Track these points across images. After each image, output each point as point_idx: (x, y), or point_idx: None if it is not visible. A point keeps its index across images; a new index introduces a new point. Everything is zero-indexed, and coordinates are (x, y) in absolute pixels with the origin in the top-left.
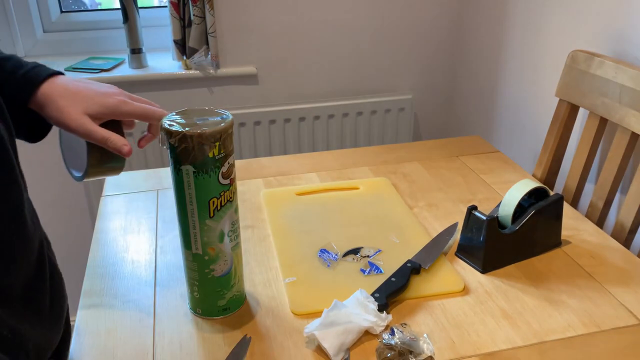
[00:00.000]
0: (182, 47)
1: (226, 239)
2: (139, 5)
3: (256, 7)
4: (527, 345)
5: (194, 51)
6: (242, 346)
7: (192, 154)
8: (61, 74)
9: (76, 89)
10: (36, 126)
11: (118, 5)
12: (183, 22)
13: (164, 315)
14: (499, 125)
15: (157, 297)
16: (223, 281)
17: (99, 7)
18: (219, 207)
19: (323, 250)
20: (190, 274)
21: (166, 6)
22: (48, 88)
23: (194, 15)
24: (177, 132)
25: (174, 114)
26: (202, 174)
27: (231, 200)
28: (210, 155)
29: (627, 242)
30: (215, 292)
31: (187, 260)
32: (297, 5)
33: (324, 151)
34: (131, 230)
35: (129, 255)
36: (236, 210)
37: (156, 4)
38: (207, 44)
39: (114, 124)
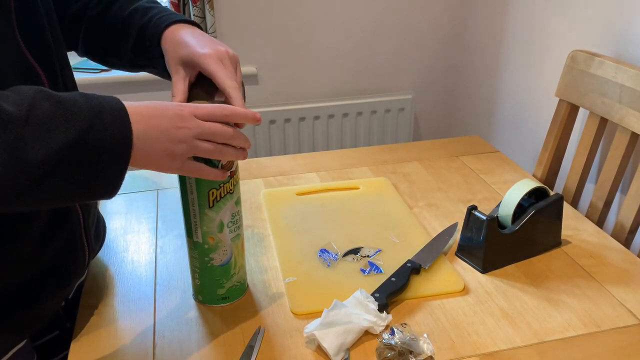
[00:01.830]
0: None
1: (226, 230)
2: None
3: (256, 7)
4: (527, 345)
5: None
6: (256, 337)
7: None
8: (187, 22)
9: (181, 39)
10: None
11: None
12: None
13: (164, 315)
14: (499, 125)
15: (157, 297)
16: (222, 270)
17: None
18: (218, 198)
19: (323, 250)
20: (192, 261)
21: (166, 6)
22: (166, 36)
23: (194, 15)
24: None
25: None
26: (207, 163)
27: (231, 192)
28: None
29: (627, 242)
30: (215, 280)
31: (189, 248)
32: (297, 6)
33: (324, 151)
34: (131, 230)
35: (129, 255)
36: (237, 203)
37: None
38: None
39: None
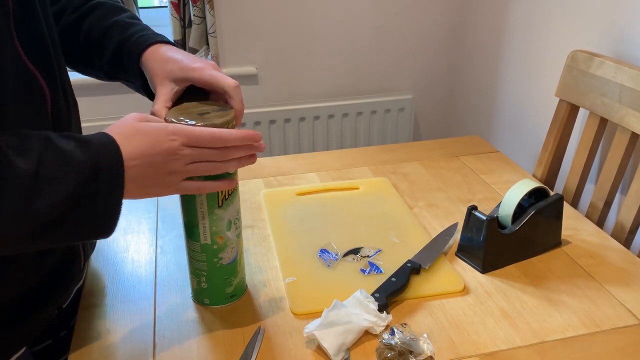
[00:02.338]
0: (183, 48)
1: (233, 227)
2: (139, 5)
3: (256, 7)
4: (527, 345)
5: (195, 51)
6: (256, 337)
7: None
8: (168, 43)
9: (167, 56)
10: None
11: None
12: (183, 22)
13: (164, 315)
14: (499, 125)
15: (157, 297)
16: (230, 268)
17: None
18: (226, 196)
19: (323, 250)
20: (197, 265)
21: (166, 6)
22: (147, 55)
23: (194, 15)
24: (189, 125)
25: (169, 110)
26: None
27: (236, 189)
28: None
29: (627, 242)
30: (224, 280)
31: (194, 252)
32: (297, 6)
33: (324, 151)
34: (131, 230)
35: (129, 255)
36: (239, 199)
37: (156, 4)
38: (208, 44)
39: (202, 98)
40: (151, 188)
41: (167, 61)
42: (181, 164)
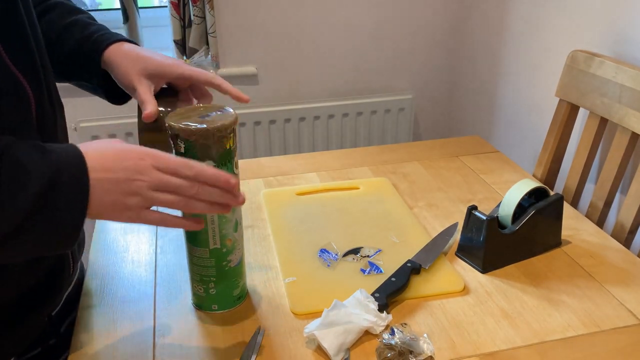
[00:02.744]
0: (182, 47)
1: (238, 227)
2: (139, 5)
3: (256, 7)
4: (527, 345)
5: (194, 51)
6: (256, 337)
7: (213, 148)
8: (130, 41)
9: (138, 53)
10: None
11: (118, 5)
12: (183, 22)
13: (164, 315)
14: (499, 125)
15: (157, 297)
16: (237, 270)
17: (99, 7)
18: None
19: (323, 250)
20: (204, 271)
21: (166, 6)
22: (112, 51)
23: (194, 15)
24: (199, 129)
25: (168, 116)
26: (221, 166)
27: (239, 188)
28: (227, 146)
29: (627, 242)
30: (232, 282)
31: (201, 259)
32: (297, 6)
33: (324, 151)
34: (131, 230)
35: (129, 255)
36: None
37: (156, 4)
38: (207, 44)
39: (171, 97)
40: (109, 208)
41: (138, 59)
42: (145, 186)
